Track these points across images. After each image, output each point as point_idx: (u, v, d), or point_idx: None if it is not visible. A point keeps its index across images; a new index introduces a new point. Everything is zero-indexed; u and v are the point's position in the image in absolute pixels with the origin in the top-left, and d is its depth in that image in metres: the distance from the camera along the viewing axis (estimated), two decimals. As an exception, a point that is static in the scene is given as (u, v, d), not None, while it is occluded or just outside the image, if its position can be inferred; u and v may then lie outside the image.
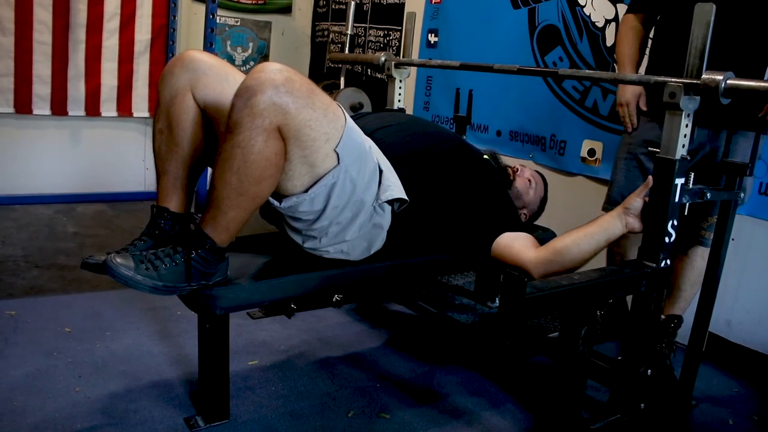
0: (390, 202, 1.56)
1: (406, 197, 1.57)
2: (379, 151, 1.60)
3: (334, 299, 1.89)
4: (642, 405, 1.55)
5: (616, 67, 2.57)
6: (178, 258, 1.35)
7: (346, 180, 1.42)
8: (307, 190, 1.41)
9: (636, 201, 1.49)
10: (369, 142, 1.54)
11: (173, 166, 1.52)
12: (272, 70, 1.25)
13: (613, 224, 1.52)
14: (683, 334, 2.03)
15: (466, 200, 1.72)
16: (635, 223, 1.50)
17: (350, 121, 1.43)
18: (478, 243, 1.66)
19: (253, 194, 1.31)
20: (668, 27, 2.02)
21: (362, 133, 1.51)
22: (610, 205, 2.12)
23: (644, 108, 2.04)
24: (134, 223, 3.40)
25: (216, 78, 1.47)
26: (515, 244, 1.62)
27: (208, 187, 1.39)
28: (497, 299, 2.21)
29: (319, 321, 2.32)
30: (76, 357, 1.89)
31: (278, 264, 1.63)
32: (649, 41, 2.17)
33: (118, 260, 1.30)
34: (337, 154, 1.38)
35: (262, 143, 1.25)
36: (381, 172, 1.54)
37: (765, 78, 1.87)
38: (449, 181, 1.73)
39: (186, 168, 1.53)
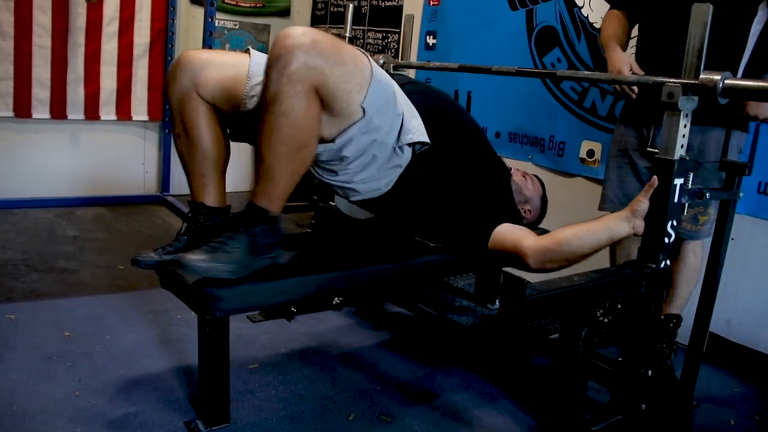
0: (411, 144, 1.57)
1: (428, 140, 1.58)
2: (404, 95, 1.61)
3: (334, 302, 1.89)
4: (643, 406, 1.55)
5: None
6: (242, 237, 1.37)
7: (369, 129, 1.44)
8: (333, 140, 1.42)
9: (643, 203, 1.49)
10: (394, 86, 1.54)
11: (198, 165, 1.56)
12: (298, 34, 1.27)
13: (619, 225, 1.51)
14: (683, 335, 2.02)
15: (478, 181, 1.72)
16: (643, 226, 1.50)
17: (375, 68, 1.44)
18: (479, 227, 1.65)
19: (303, 157, 1.36)
20: (651, 26, 2.04)
21: (386, 77, 1.51)
22: (605, 204, 2.11)
23: (640, 72, 1.97)
24: (134, 226, 3.40)
25: (214, 68, 1.51)
26: (515, 232, 1.62)
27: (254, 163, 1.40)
28: (497, 301, 2.21)
29: (319, 324, 2.32)
30: (75, 361, 1.89)
31: (278, 266, 1.63)
32: (634, 42, 2.18)
33: (190, 256, 1.33)
34: (363, 109, 1.40)
35: (306, 107, 1.29)
36: (403, 116, 1.55)
37: (738, 75, 1.87)
38: (467, 153, 1.73)
39: (210, 164, 1.57)
